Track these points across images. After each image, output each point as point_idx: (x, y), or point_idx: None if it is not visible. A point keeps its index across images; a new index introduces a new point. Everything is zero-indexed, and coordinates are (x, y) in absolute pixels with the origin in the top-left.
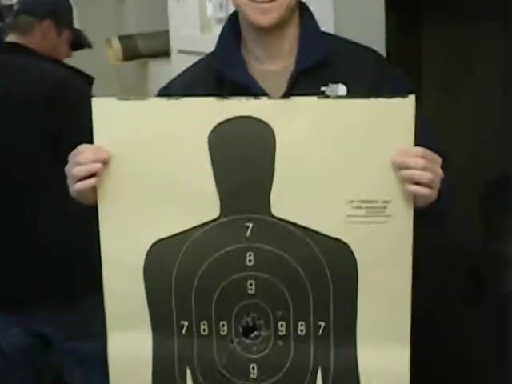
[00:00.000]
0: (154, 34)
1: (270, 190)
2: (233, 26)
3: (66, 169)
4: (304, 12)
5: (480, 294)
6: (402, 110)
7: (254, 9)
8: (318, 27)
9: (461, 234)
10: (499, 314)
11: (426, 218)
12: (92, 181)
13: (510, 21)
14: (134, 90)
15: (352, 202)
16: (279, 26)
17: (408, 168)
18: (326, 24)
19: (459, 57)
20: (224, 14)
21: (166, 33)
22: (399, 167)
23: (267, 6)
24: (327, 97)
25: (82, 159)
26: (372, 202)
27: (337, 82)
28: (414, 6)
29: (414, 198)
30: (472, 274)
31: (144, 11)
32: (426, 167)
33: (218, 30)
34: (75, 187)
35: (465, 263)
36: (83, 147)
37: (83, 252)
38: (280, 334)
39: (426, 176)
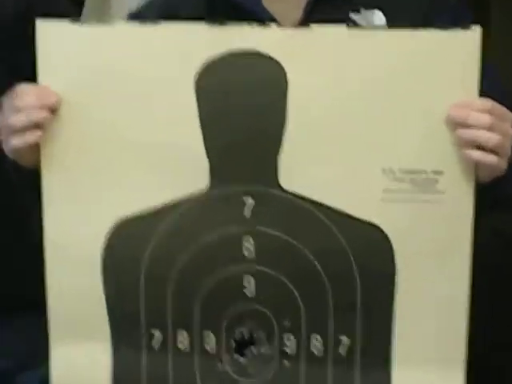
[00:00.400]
0: None
1: (278, 152)
2: None
3: (2, 121)
4: None
5: None
6: (462, 47)
7: None
8: None
9: None
10: None
11: (489, 200)
12: (35, 135)
13: None
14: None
15: (390, 171)
16: None
17: (469, 127)
18: None
19: None
20: None
21: None
22: (457, 125)
23: None
24: (358, 26)
25: (22, 104)
26: (418, 172)
27: (372, 8)
28: None
29: (476, 168)
30: None
31: None
32: (494, 126)
33: None
34: (12, 143)
35: None
36: (24, 88)
37: None
38: (286, 351)
39: (493, 138)
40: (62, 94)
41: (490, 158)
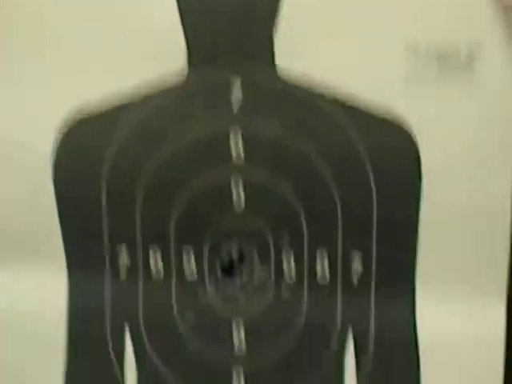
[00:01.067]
0: None
1: (274, 23)
2: None
3: None
4: None
5: None
6: None
7: None
8: None
9: None
10: None
11: None
12: None
13: None
14: None
15: (414, 47)
16: None
17: None
18: None
19: None
20: None
21: None
22: None
23: None
24: None
25: None
26: (447, 46)
27: None
28: None
29: None
30: None
31: None
32: None
33: None
34: None
35: None
36: None
37: None
38: (286, 276)
39: None
40: None
41: None
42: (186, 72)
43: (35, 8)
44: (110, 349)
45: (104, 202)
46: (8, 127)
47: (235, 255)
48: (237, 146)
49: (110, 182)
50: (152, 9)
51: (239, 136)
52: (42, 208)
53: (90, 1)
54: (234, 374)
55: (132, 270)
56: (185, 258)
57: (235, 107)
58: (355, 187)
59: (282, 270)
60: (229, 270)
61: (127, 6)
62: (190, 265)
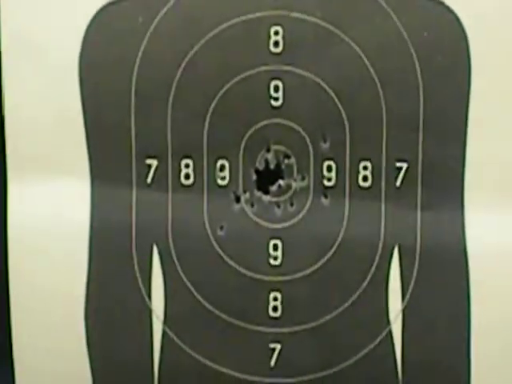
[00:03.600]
0: None
1: None
2: None
3: None
4: None
5: None
6: None
7: None
8: None
9: None
10: None
11: None
12: None
13: None
14: None
15: None
16: None
17: None
18: None
19: None
20: None
21: None
22: None
23: None
24: None
25: None
26: None
27: None
28: None
29: None
30: None
31: None
32: None
33: None
34: None
35: None
36: None
37: None
38: (326, 184)
39: None
40: None
41: None
42: None
43: None
44: (135, 266)
45: (133, 107)
46: (34, 26)
47: (272, 164)
48: (276, 42)
49: (138, 85)
50: None
51: (278, 28)
52: (63, 111)
53: None
54: (271, 296)
55: (161, 178)
56: (218, 165)
57: None
58: (400, 83)
59: (322, 178)
60: (264, 180)
61: None
62: (224, 172)
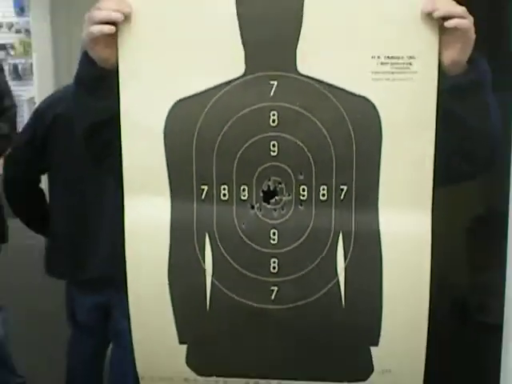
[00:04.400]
0: None
1: (297, 45)
2: None
3: (86, 15)
4: None
5: (466, 325)
6: None
7: None
8: None
9: (447, 266)
10: (484, 345)
11: (463, 92)
12: (108, 28)
13: None
14: None
15: (377, 57)
16: None
17: (439, 7)
18: None
19: None
20: None
21: None
22: (431, 11)
23: None
24: None
25: (103, 5)
26: (397, 57)
27: None
28: None
29: (449, 44)
30: (458, 305)
31: None
32: (456, 5)
33: None
34: (91, 29)
35: (451, 295)
36: None
37: None
38: (301, 198)
39: (459, 7)
40: (133, 5)
41: (463, 21)
42: (243, 73)
43: (154, 41)
44: (196, 245)
45: (194, 156)
46: (138, 108)
47: (272, 187)
48: (273, 119)
49: (198, 143)
50: (226, 36)
51: (275, 113)
52: (156, 158)
53: (187, 35)
54: (271, 261)
55: (209, 196)
56: (241, 188)
57: (272, 95)
58: (342, 141)
59: (298, 194)
60: (267, 196)
61: (216, 37)
62: (245, 192)
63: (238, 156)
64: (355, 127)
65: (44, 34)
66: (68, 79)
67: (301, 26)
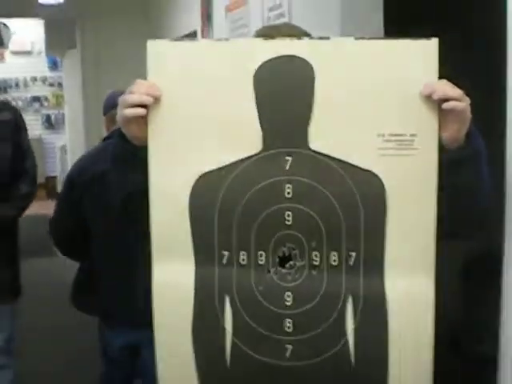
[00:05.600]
0: None
1: (309, 124)
2: None
3: (120, 98)
4: None
5: (460, 361)
6: (427, 49)
7: None
8: None
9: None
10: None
11: (461, 165)
12: (141, 110)
13: None
14: None
15: (383, 135)
16: None
17: (438, 90)
18: None
19: None
20: None
21: None
22: (430, 94)
23: None
24: (362, 38)
25: (136, 89)
26: (400, 135)
27: None
28: None
29: (448, 124)
30: (453, 341)
31: None
32: (454, 89)
33: None
34: (124, 112)
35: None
36: (139, 81)
37: None
38: (314, 263)
39: (456, 91)
40: (162, 88)
41: (459, 103)
42: (261, 150)
43: (180, 121)
44: (217, 306)
45: (216, 224)
46: (165, 181)
47: (287, 253)
48: (288, 191)
49: (220, 213)
50: (245, 117)
51: (289, 185)
52: (182, 228)
53: (211, 115)
54: (286, 321)
55: (230, 261)
56: (259, 254)
57: (289, 170)
58: (351, 212)
59: (311, 259)
60: (283, 261)
61: (237, 118)
62: (262, 258)
63: (256, 225)
64: (363, 199)
65: (75, 87)
66: (96, 129)
67: (312, 108)
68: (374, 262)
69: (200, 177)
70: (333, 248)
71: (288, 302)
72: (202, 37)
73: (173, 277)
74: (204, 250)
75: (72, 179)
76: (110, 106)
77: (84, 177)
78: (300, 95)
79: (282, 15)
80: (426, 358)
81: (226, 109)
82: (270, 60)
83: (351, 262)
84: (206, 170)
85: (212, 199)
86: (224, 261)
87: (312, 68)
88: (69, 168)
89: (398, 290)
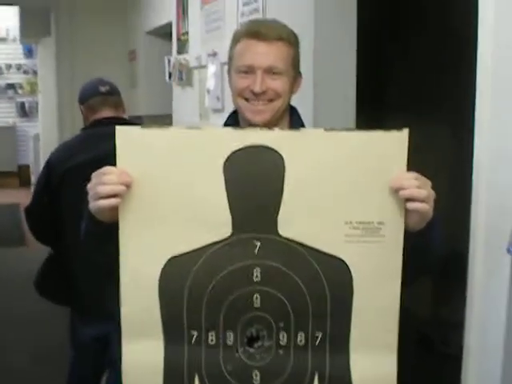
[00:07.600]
0: (159, 116)
1: (278, 212)
2: (233, 121)
3: (89, 186)
4: (293, 114)
5: (428, 357)
6: (396, 142)
7: (251, 110)
8: (303, 126)
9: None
10: (446, 377)
11: (423, 246)
12: (114, 200)
13: None
14: None
15: (350, 223)
16: (271, 124)
17: (406, 188)
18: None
19: None
20: (220, 106)
21: (170, 116)
22: (398, 189)
23: (261, 108)
24: (332, 129)
25: (107, 180)
26: (368, 223)
27: None
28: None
29: (411, 217)
30: (421, 338)
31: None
32: (421, 186)
33: (214, 118)
34: (98, 203)
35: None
36: (109, 169)
37: None
38: (281, 343)
39: (422, 192)
40: (133, 175)
41: (424, 206)
42: (230, 234)
43: (150, 206)
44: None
45: (185, 305)
46: (136, 263)
47: (254, 334)
48: (256, 275)
49: (189, 295)
50: (215, 203)
51: (258, 269)
52: (151, 310)
53: (180, 201)
54: None
55: (198, 341)
56: (227, 334)
57: (257, 254)
58: (318, 296)
59: (278, 340)
60: (251, 341)
61: (206, 204)
62: (231, 338)
63: (224, 306)
64: (329, 283)
65: (49, 75)
66: (70, 118)
67: (281, 196)
68: (340, 342)
69: (170, 259)
70: (300, 328)
71: (256, 381)
72: (177, 28)
73: (142, 356)
74: (173, 330)
75: (51, 168)
76: (89, 94)
77: (63, 167)
78: (270, 184)
79: (256, 10)
80: None
81: (195, 195)
82: (240, 150)
83: (317, 342)
84: (176, 253)
85: (181, 282)
86: (193, 340)
87: (282, 158)
88: (41, 157)
89: (362, 367)
